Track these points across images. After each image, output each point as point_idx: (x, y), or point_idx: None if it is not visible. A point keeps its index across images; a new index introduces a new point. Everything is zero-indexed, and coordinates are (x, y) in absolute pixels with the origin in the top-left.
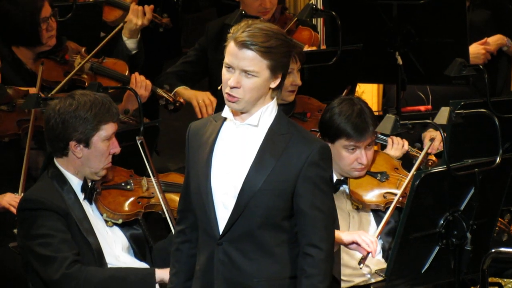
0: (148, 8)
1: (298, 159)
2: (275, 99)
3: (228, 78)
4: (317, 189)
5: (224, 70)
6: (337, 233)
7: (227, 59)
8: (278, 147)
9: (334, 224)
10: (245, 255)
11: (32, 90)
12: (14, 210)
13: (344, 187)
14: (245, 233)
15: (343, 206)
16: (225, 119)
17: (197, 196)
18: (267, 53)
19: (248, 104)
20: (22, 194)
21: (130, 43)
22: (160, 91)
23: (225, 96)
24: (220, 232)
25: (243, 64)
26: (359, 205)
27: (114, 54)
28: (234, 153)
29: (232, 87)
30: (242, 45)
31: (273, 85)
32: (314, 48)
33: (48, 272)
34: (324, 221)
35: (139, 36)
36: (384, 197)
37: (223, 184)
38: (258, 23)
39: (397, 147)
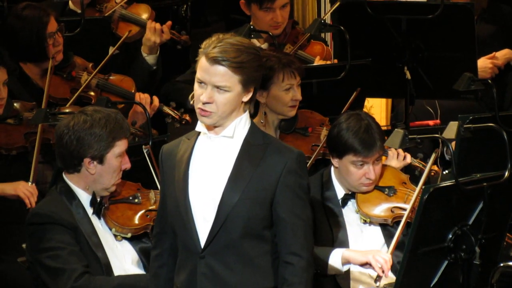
0: (166, 26)
1: (276, 167)
2: (247, 111)
3: (201, 93)
4: (296, 197)
5: (196, 85)
6: (350, 253)
7: (198, 75)
8: (255, 157)
9: (312, 232)
10: (228, 267)
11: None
12: (28, 203)
13: (352, 202)
14: (227, 245)
15: (351, 220)
16: (198, 134)
17: (176, 213)
18: (238, 68)
19: (221, 118)
20: (34, 184)
21: (151, 59)
22: (166, 109)
23: (198, 111)
24: (202, 246)
25: (214, 80)
26: (367, 220)
27: (132, 71)
28: (210, 166)
29: (204, 103)
30: (214, 61)
31: (245, 98)
32: (323, 61)
33: (58, 284)
34: (304, 229)
35: (158, 52)
36: (392, 211)
37: (202, 198)
38: (229, 38)
39: (399, 158)
